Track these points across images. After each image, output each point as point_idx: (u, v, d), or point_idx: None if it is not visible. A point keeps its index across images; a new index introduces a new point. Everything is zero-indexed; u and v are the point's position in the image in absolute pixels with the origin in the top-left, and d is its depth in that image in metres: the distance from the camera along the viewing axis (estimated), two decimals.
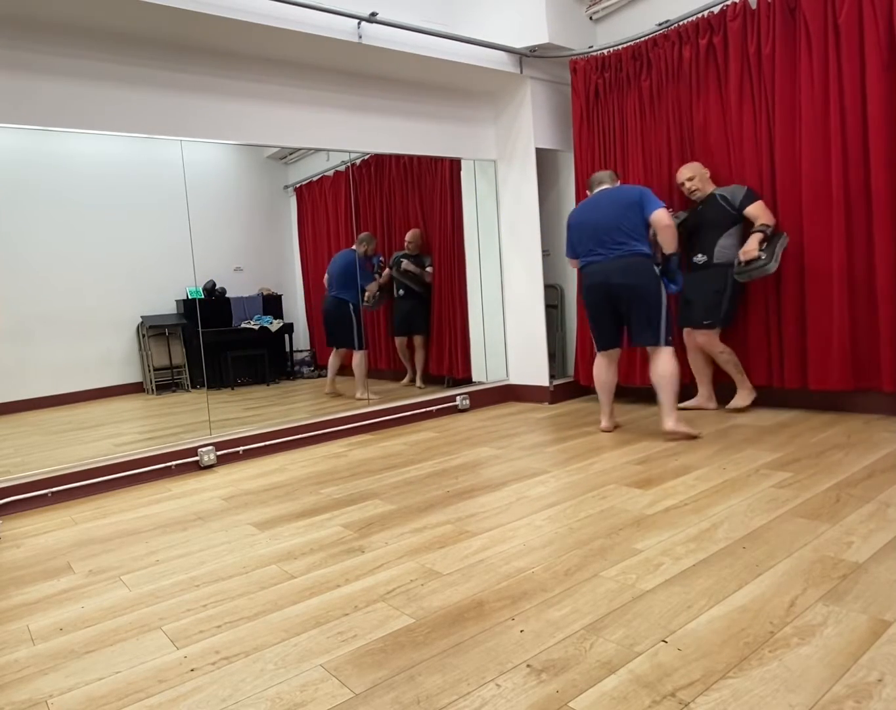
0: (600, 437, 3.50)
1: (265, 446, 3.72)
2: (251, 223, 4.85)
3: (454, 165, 4.90)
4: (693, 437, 3.25)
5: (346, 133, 4.10)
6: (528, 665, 1.40)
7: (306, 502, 2.74)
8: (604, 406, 3.60)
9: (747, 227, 3.56)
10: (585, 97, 4.36)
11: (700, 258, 3.64)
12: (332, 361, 4.92)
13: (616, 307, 3.36)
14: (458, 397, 4.62)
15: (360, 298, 4.86)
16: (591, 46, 4.41)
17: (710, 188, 3.70)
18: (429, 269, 5.23)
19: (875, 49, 3.15)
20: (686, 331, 3.79)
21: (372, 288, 5.00)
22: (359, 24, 3.64)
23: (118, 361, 4.44)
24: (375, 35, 3.73)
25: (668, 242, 3.21)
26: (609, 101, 4.29)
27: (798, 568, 1.76)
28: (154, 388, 4.56)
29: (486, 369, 4.99)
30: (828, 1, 3.30)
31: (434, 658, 1.46)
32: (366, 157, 4.88)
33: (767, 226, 3.46)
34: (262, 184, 4.94)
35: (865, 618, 1.48)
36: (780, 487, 2.44)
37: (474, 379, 5.00)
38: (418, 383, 5.23)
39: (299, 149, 4.64)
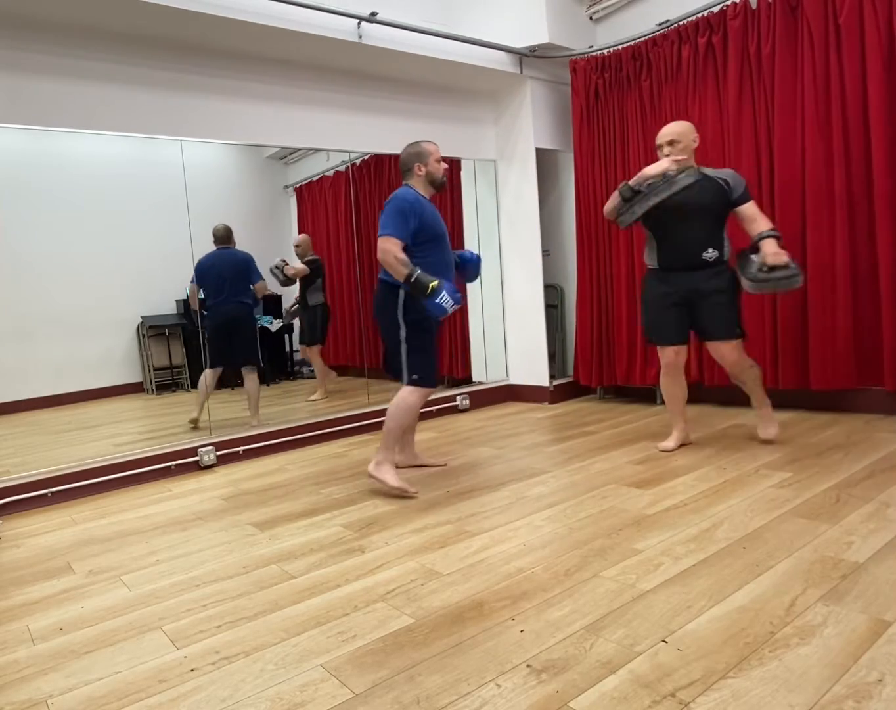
0: (600, 437, 3.50)
1: (265, 446, 3.72)
2: (251, 223, 4.85)
3: (454, 165, 4.90)
4: (408, 496, 2.70)
5: (346, 133, 4.10)
6: (528, 665, 1.40)
7: (306, 502, 2.74)
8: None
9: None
10: (585, 97, 4.36)
11: (711, 254, 2.89)
12: (210, 382, 3.97)
13: None
14: (458, 397, 4.62)
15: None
16: (591, 46, 4.41)
17: (693, 164, 2.96)
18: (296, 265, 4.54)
19: (876, 49, 3.15)
20: (710, 345, 2.99)
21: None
22: (359, 24, 3.64)
23: (118, 361, 4.44)
24: (375, 35, 3.72)
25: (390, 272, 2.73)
26: (609, 101, 4.29)
27: (798, 568, 1.76)
28: (154, 388, 4.56)
29: (486, 368, 4.99)
30: (828, 1, 3.30)
31: (434, 658, 1.46)
32: (366, 157, 4.88)
33: (776, 231, 2.86)
34: (262, 184, 4.94)
35: (865, 618, 1.48)
36: (780, 487, 2.44)
37: (474, 379, 5.00)
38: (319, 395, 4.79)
39: (299, 149, 4.64)
